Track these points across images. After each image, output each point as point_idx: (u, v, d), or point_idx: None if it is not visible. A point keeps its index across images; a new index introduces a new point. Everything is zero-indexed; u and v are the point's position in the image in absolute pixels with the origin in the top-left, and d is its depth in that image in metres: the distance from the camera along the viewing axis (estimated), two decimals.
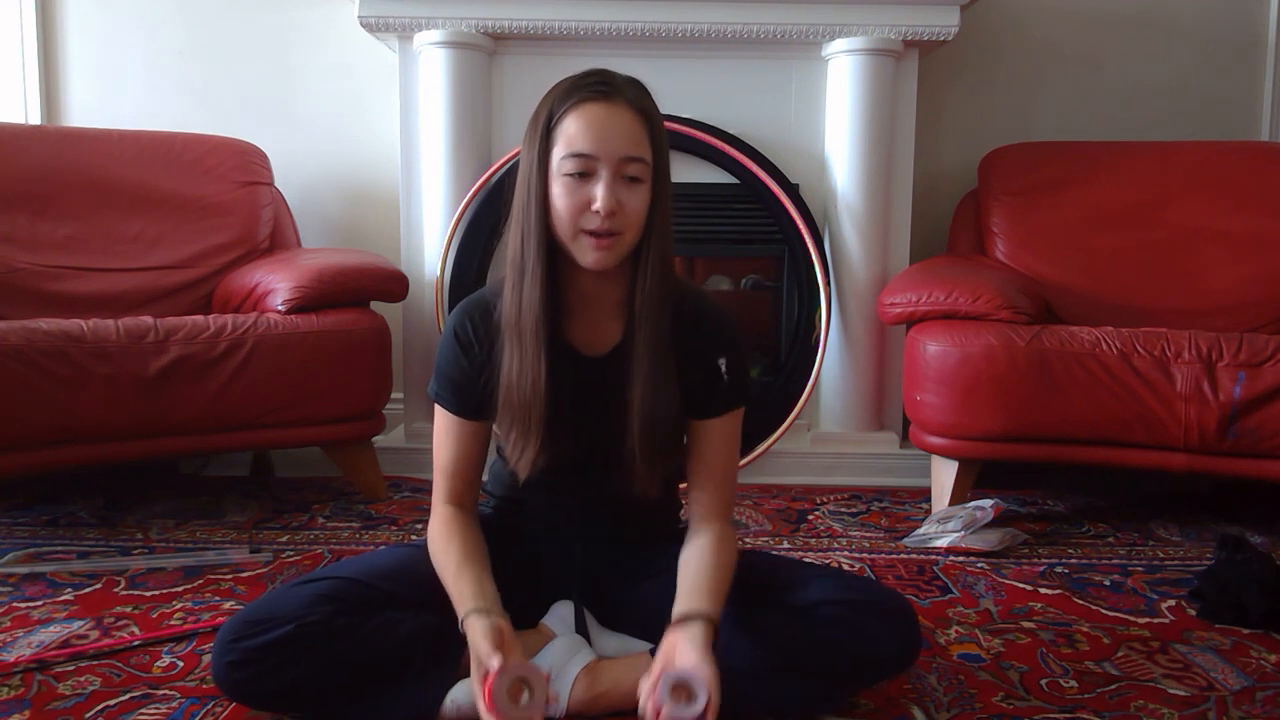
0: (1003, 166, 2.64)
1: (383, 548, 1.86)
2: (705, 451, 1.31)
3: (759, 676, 1.17)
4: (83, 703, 1.27)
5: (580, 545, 1.35)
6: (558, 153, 1.16)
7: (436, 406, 1.32)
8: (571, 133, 1.15)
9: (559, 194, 1.16)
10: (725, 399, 1.29)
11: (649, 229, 1.20)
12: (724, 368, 1.28)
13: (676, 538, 1.34)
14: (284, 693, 1.16)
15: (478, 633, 1.12)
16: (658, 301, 1.21)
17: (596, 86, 1.16)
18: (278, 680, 1.14)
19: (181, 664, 1.39)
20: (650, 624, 1.30)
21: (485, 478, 1.42)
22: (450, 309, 2.56)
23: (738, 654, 1.18)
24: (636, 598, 1.33)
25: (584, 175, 1.15)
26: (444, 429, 1.32)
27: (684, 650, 1.10)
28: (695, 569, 1.22)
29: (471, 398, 1.27)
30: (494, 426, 1.31)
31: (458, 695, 1.19)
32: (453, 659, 1.19)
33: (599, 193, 1.14)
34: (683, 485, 1.50)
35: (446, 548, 1.26)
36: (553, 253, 1.20)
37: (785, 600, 1.22)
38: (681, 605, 1.17)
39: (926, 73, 2.72)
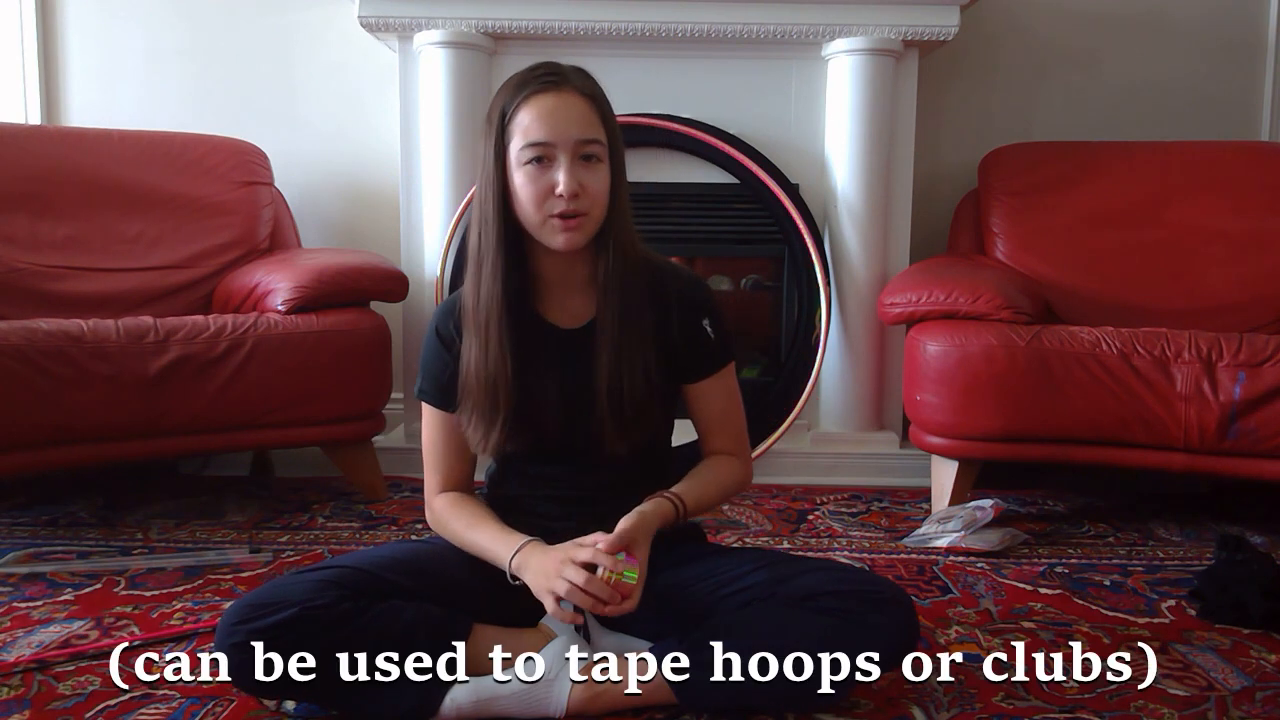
0: (1003, 166, 2.64)
1: (387, 542, 1.86)
2: (708, 407, 1.38)
3: (759, 669, 1.18)
4: (83, 703, 1.27)
5: None
6: (515, 145, 1.22)
7: (424, 405, 1.37)
8: (527, 124, 1.21)
9: (522, 184, 1.22)
10: (717, 357, 1.37)
11: (611, 206, 1.25)
12: (709, 328, 1.34)
13: (673, 537, 1.34)
14: (286, 677, 1.15)
15: (538, 552, 1.23)
16: (622, 276, 1.27)
17: (545, 78, 1.22)
18: (271, 672, 1.14)
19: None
20: (649, 622, 1.30)
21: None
22: None
23: (737, 646, 1.18)
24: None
25: (543, 162, 1.21)
26: (432, 425, 1.37)
27: (627, 517, 1.21)
28: (690, 474, 1.34)
29: (455, 392, 1.32)
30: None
31: (458, 695, 1.19)
32: (453, 650, 1.20)
33: (560, 177, 1.20)
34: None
35: (457, 515, 1.32)
36: (514, 241, 1.26)
37: (784, 592, 1.22)
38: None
39: (926, 73, 2.72)
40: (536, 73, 1.23)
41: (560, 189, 1.20)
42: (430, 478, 1.38)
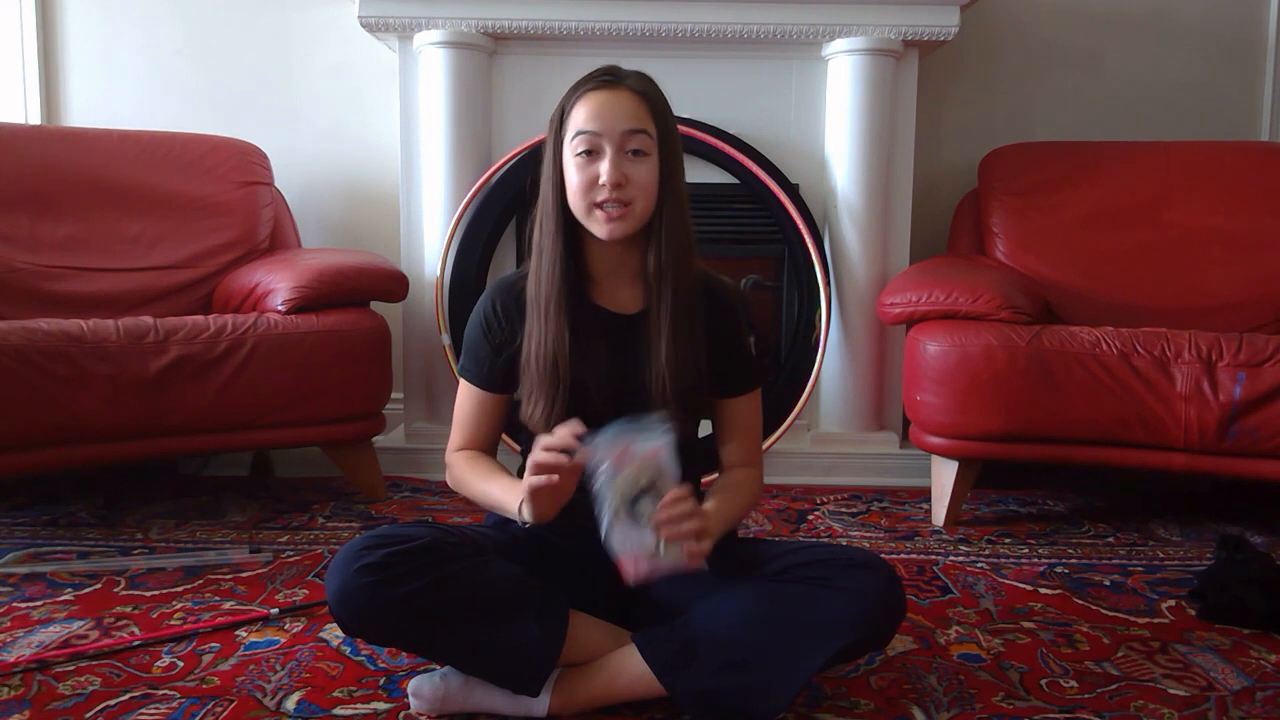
0: (1003, 166, 2.64)
1: None
2: (739, 422, 1.40)
3: (742, 645, 1.17)
4: (83, 703, 1.27)
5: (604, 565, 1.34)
6: (568, 137, 1.28)
7: (461, 380, 1.41)
8: (579, 117, 1.27)
9: (571, 173, 1.27)
10: (755, 375, 1.41)
11: (661, 200, 1.29)
12: (753, 346, 1.39)
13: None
14: (405, 601, 1.15)
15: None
16: (674, 267, 1.30)
17: (601, 78, 1.29)
18: (403, 588, 1.15)
19: (181, 664, 1.39)
20: (632, 616, 1.30)
21: None
22: (450, 309, 2.56)
23: (718, 624, 1.19)
24: (656, 593, 1.32)
25: (591, 154, 1.26)
26: (468, 396, 1.41)
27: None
28: (717, 490, 1.33)
29: (495, 372, 1.37)
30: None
31: (450, 680, 1.21)
32: (559, 619, 1.22)
33: (604, 167, 1.25)
34: (704, 480, 1.51)
35: (473, 468, 1.35)
36: (570, 231, 1.31)
37: (759, 573, 1.25)
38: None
39: (926, 73, 2.72)
40: (596, 73, 1.30)
41: (603, 178, 1.24)
42: (455, 436, 1.41)
